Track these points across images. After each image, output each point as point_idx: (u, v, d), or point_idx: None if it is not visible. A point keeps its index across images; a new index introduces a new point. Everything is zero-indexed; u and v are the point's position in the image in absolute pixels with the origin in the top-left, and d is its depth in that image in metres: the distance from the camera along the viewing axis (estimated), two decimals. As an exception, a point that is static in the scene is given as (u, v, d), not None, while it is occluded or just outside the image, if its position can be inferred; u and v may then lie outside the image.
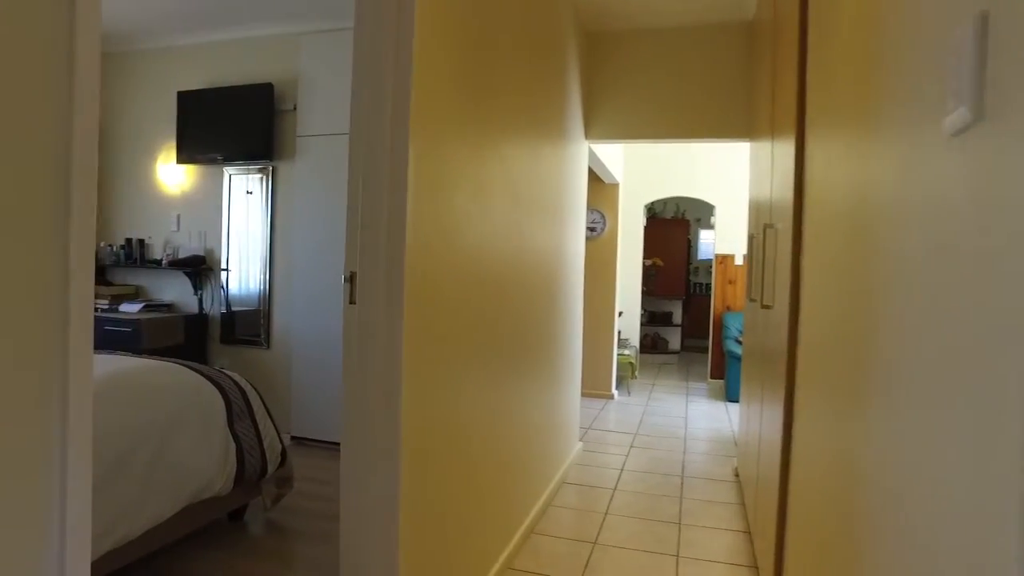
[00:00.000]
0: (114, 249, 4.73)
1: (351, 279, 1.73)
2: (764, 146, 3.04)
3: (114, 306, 4.52)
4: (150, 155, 4.82)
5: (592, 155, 4.80)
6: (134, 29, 4.57)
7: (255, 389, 3.14)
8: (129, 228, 4.90)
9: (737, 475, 3.87)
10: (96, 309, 4.48)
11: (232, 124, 4.41)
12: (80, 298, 0.91)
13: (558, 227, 3.50)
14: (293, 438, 4.36)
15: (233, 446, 2.77)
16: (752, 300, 3.08)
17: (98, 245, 4.89)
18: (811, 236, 1.80)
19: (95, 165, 0.92)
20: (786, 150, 2.23)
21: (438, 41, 1.86)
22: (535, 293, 3.07)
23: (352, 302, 1.73)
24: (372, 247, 1.71)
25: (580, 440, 4.52)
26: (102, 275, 4.93)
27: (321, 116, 4.16)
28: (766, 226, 2.56)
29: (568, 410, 3.93)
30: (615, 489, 3.66)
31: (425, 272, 1.82)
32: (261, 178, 4.49)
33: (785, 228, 2.14)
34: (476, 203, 2.21)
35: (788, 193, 2.10)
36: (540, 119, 3.06)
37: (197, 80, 4.59)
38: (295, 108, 4.29)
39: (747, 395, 3.53)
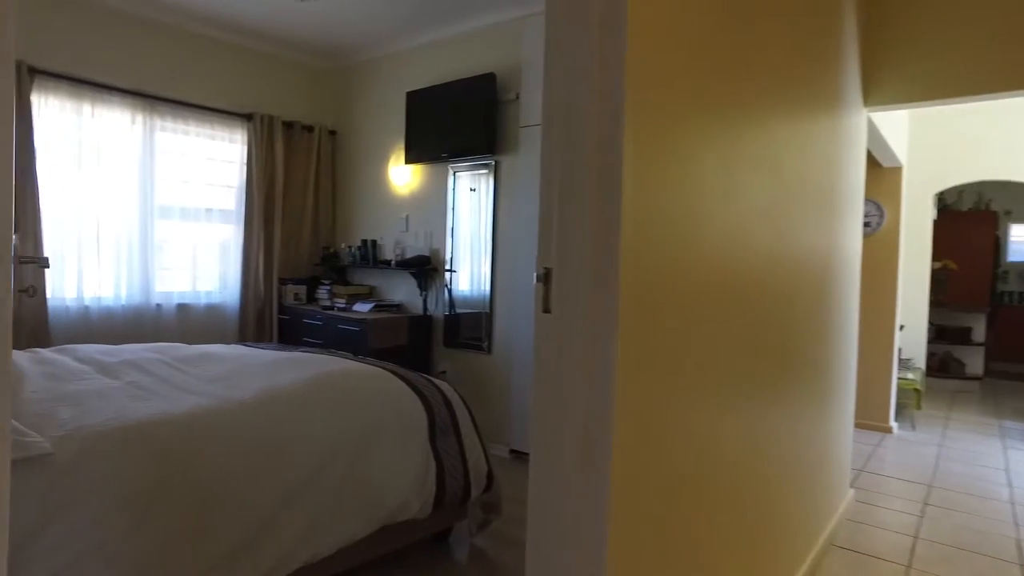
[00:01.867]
0: (352, 250, 4.89)
1: (545, 278, 1.26)
2: None
3: (349, 305, 4.66)
4: (383, 158, 4.92)
5: (871, 128, 3.81)
6: (367, 39, 4.69)
7: (464, 403, 2.84)
8: (366, 230, 5.05)
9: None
10: (332, 307, 4.65)
11: (456, 119, 4.27)
12: None
13: (828, 219, 2.70)
14: (512, 451, 4.08)
15: (433, 465, 2.49)
16: None
17: (339, 246, 5.12)
18: None
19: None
20: None
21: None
22: (799, 300, 2.34)
23: (546, 310, 1.25)
24: (576, 237, 1.22)
25: (851, 486, 3.57)
26: (342, 275, 5.15)
27: (539, 104, 3.81)
28: None
29: (837, 446, 3.07)
30: (908, 567, 2.73)
31: (647, 270, 1.28)
32: (484, 174, 4.29)
33: None
34: (720, 189, 1.61)
35: None
36: (804, 79, 2.32)
37: (424, 79, 4.55)
38: (517, 97, 4.01)
39: None
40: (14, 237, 1.26)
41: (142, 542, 1.75)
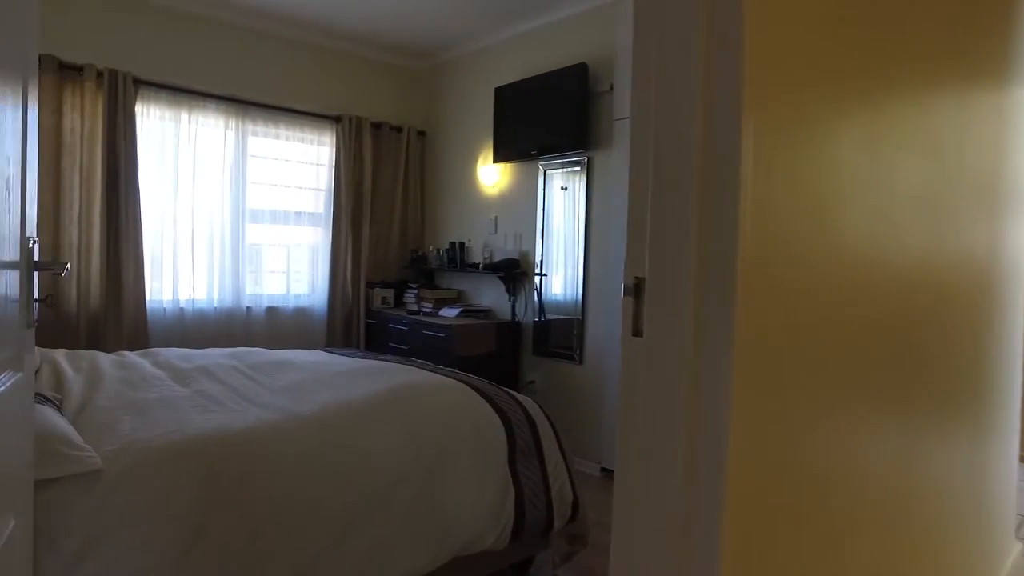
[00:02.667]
0: (439, 253, 4.76)
1: (636, 291, 0.98)
2: None
3: (436, 310, 4.51)
4: (472, 157, 4.75)
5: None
6: (454, 36, 4.53)
7: (550, 422, 2.58)
8: (454, 232, 4.90)
9: None
10: (419, 312, 4.52)
11: (546, 114, 4.02)
12: None
13: (991, 215, 2.22)
14: (603, 469, 3.78)
15: (512, 491, 2.24)
16: None
17: (427, 249, 5.00)
18: None
19: None
20: None
21: None
22: (954, 311, 1.91)
23: (638, 332, 0.97)
24: (677, 238, 0.93)
25: (1017, 537, 3.01)
26: (430, 279, 5.03)
27: (640, 92, 3.49)
28: None
29: (1000, 487, 2.55)
30: (1097, 643, 2.20)
31: (769, 277, 0.97)
32: (576, 171, 4.01)
33: None
34: (860, 175, 1.26)
35: None
36: (963, 42, 1.88)
37: (512, 73, 4.33)
38: (611, 88, 3.71)
39: None
40: (34, 241, 1.13)
41: (192, 568, 1.61)
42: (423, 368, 2.86)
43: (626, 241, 0.99)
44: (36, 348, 2.70)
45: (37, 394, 1.99)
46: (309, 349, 4.40)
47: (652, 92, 0.99)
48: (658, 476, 0.91)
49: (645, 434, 0.93)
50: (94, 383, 2.27)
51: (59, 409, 1.95)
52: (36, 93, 1.16)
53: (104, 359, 2.65)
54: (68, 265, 1.13)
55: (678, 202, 0.91)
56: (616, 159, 3.67)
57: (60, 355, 2.63)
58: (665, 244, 0.93)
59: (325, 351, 3.46)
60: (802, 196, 1.02)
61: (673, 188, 0.92)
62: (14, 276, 1.02)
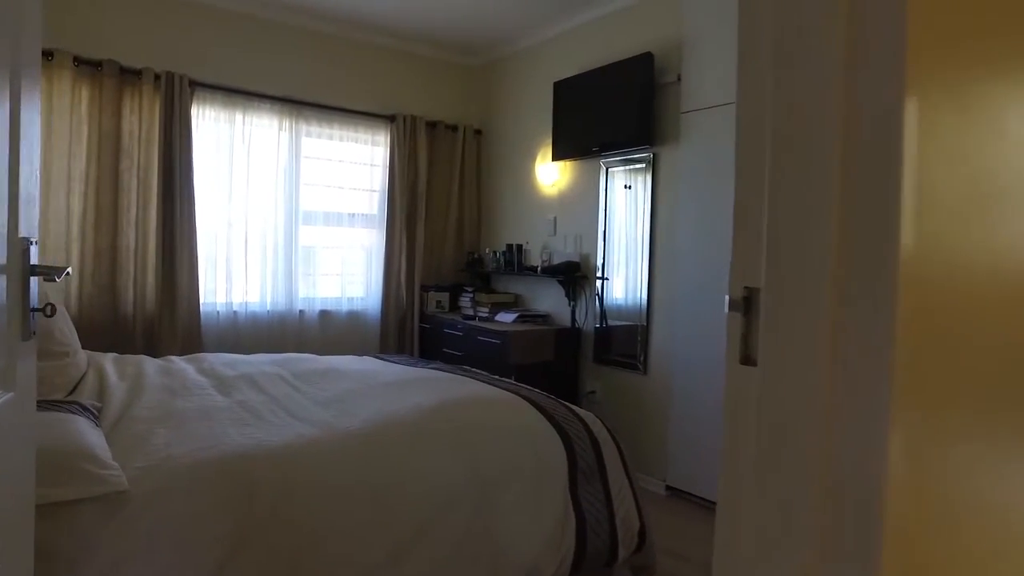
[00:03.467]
0: (496, 255, 4.58)
1: (746, 305, 0.75)
2: None
3: (492, 315, 4.34)
4: (530, 155, 4.55)
5: None
6: (510, 30, 4.35)
7: (615, 441, 2.36)
8: (511, 234, 4.72)
9: None
10: (475, 317, 4.35)
11: (608, 108, 3.79)
12: None
13: None
14: (668, 488, 3.52)
15: (573, 518, 2.03)
16: None
17: (483, 251, 4.83)
18: None
19: None
20: None
21: None
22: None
23: (748, 360, 0.74)
24: (805, 240, 0.71)
25: None
26: (486, 282, 4.86)
27: (713, 84, 3.22)
28: None
29: None
30: None
31: (937, 287, 0.73)
32: (640, 168, 3.76)
33: None
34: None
35: None
36: None
37: (572, 66, 4.12)
38: (679, 79, 3.45)
39: None
40: (31, 243, 0.99)
41: (222, 602, 1.47)
42: (477, 379, 2.68)
43: (733, 244, 0.77)
44: (86, 352, 2.66)
45: (75, 403, 1.90)
46: (361, 354, 4.30)
47: (767, 59, 0.77)
48: (781, 555, 0.69)
49: (762, 507, 0.71)
50: (136, 391, 2.18)
51: (96, 419, 1.86)
52: (36, 87, 1.03)
53: (150, 365, 2.57)
54: (69, 269, 0.98)
55: (811, 193, 0.68)
56: (684, 155, 3.40)
57: (108, 360, 2.56)
58: (790, 245, 0.70)
59: (376, 357, 3.33)
60: (976, 184, 0.77)
61: (804, 175, 0.69)
62: (1, 281, 0.87)
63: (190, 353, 3.79)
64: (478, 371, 3.01)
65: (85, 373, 2.33)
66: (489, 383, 2.58)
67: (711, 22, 3.24)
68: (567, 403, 2.45)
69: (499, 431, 2.06)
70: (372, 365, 2.94)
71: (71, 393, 2.16)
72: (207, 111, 3.93)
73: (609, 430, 2.39)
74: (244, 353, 4.01)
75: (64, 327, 2.22)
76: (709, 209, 3.23)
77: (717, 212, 3.18)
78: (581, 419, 2.33)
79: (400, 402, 2.18)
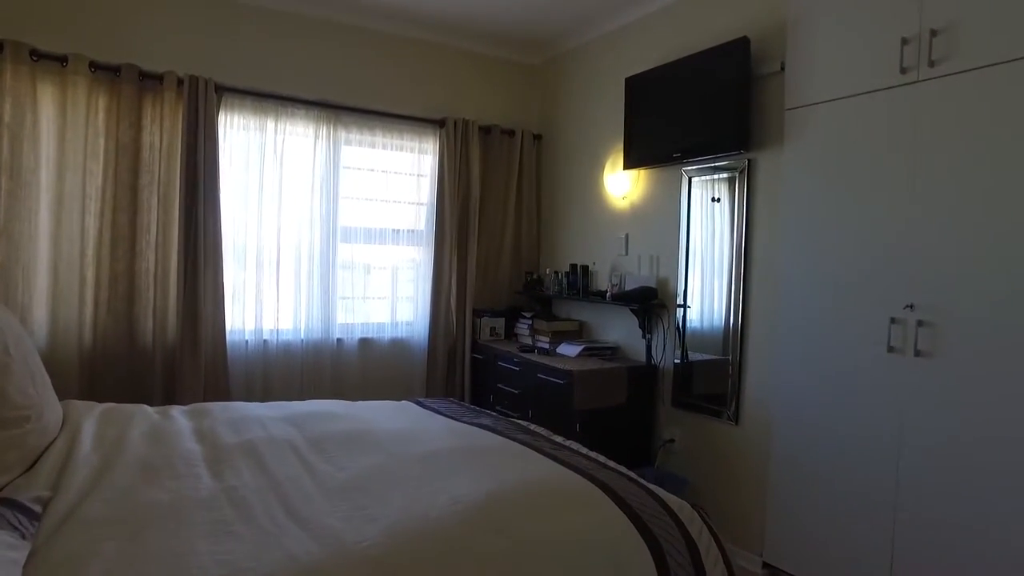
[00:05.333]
0: (558, 277, 4.02)
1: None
2: None
3: (553, 346, 3.78)
4: (598, 163, 3.98)
5: None
6: (573, 21, 3.80)
7: (713, 534, 1.77)
8: (576, 253, 4.15)
9: None
10: (533, 348, 3.80)
11: (691, 106, 3.18)
12: None
13: None
14: (766, 566, 2.87)
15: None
16: None
17: (543, 272, 4.28)
18: None
19: None
20: None
21: None
22: None
23: None
24: None
25: None
26: (547, 307, 4.30)
27: (828, 72, 2.58)
28: None
29: None
30: None
31: None
32: (732, 177, 3.14)
33: None
34: None
35: None
36: None
37: (648, 59, 3.52)
38: (782, 68, 2.81)
39: None
40: None
41: None
42: (537, 445, 2.12)
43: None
44: (66, 404, 2.25)
45: (7, 501, 1.44)
46: (401, 397, 3.83)
47: None
48: None
49: None
50: (105, 470, 1.73)
51: (32, 526, 1.40)
52: None
53: (140, 425, 2.12)
54: None
55: None
56: (789, 161, 2.76)
57: (92, 418, 2.13)
58: None
59: (418, 404, 2.82)
60: None
61: None
62: None
63: (215, 390, 3.40)
64: (536, 430, 2.45)
65: (55, 439, 1.90)
66: (553, 456, 2.02)
67: (828, -5, 2.60)
68: (654, 490, 1.86)
69: (569, 549, 1.50)
70: (410, 420, 2.43)
71: (29, 469, 1.72)
72: (235, 118, 3.53)
73: (710, 526, 1.80)
74: (275, 391, 3.60)
75: (25, 383, 1.79)
76: (822, 226, 2.58)
77: (833, 230, 2.53)
78: (673, 514, 1.75)
79: (438, 493, 1.64)
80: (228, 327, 3.49)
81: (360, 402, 2.77)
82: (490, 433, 2.26)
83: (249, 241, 3.58)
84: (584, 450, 2.22)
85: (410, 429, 2.26)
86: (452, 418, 2.56)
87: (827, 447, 2.53)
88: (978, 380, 2.07)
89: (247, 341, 3.58)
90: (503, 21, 3.89)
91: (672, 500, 1.83)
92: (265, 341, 3.63)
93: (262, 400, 3.46)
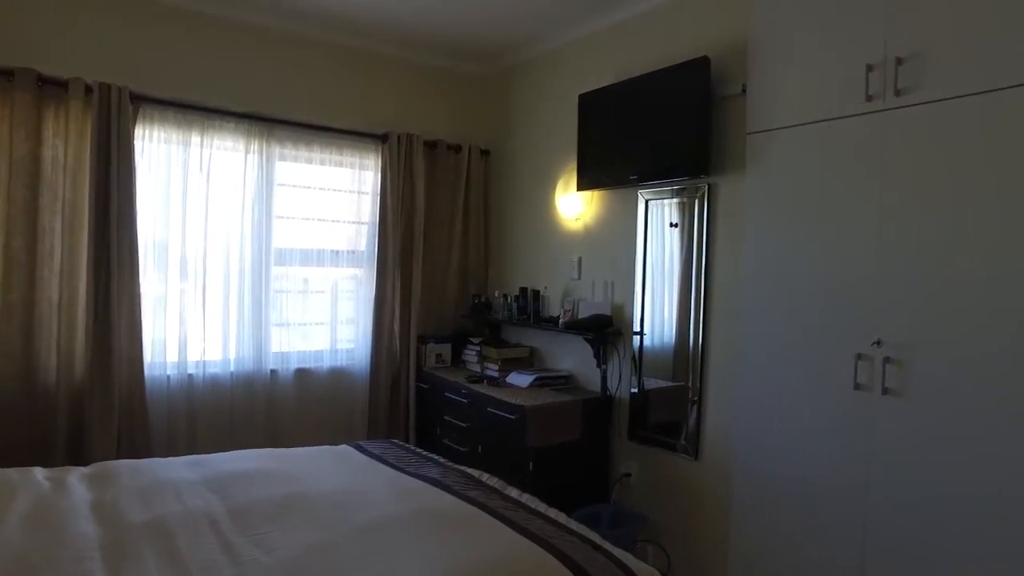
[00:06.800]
0: (508, 301, 3.83)
1: None
2: None
3: (503, 375, 3.58)
4: (549, 183, 3.81)
5: None
6: (527, 32, 3.62)
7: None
8: (526, 276, 3.97)
9: None
10: (482, 377, 3.60)
11: (649, 127, 3.05)
12: None
13: None
14: (729, 610, 2.74)
15: None
16: None
17: (491, 295, 4.08)
18: None
19: None
20: None
21: None
22: None
23: None
24: None
25: None
26: (496, 332, 4.11)
27: (792, 96, 2.48)
28: None
29: None
30: None
31: None
32: (691, 201, 3.02)
33: None
34: None
35: None
36: None
37: (603, 75, 3.38)
38: (744, 91, 2.70)
39: None
40: None
41: None
42: (493, 509, 1.92)
43: None
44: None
45: None
46: (343, 433, 3.58)
47: None
48: None
49: None
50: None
51: None
52: None
53: (22, 502, 1.79)
54: None
55: None
56: (751, 187, 2.63)
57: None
58: None
59: (359, 450, 2.58)
60: None
61: None
62: None
63: (131, 439, 3.06)
64: (488, 482, 2.25)
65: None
66: (510, 521, 1.82)
67: (791, 13, 2.49)
68: (621, 558, 1.69)
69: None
70: (350, 475, 2.18)
71: None
72: (154, 131, 3.20)
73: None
74: (201, 437, 3.26)
75: None
76: (785, 257, 2.47)
77: (797, 261, 2.42)
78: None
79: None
80: (147, 361, 3.16)
81: (295, 451, 2.50)
82: (439, 491, 2.04)
83: (172, 266, 3.26)
84: (542, 507, 2.03)
85: (351, 488, 2.02)
86: (397, 468, 2.34)
87: (792, 485, 2.42)
88: (947, 419, 1.99)
89: (169, 376, 3.25)
90: (450, 30, 3.68)
91: (643, 570, 1.66)
92: (190, 375, 3.30)
93: (187, 449, 3.12)
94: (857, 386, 2.22)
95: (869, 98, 2.20)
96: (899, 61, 2.11)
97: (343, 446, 2.64)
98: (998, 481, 1.87)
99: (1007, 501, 1.85)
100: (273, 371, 3.55)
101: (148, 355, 3.18)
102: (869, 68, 2.19)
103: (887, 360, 2.14)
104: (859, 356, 2.22)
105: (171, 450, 3.07)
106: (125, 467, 2.12)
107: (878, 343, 2.17)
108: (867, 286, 2.20)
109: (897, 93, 2.12)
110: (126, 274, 3.05)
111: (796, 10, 2.47)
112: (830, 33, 2.34)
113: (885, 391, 2.15)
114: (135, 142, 3.10)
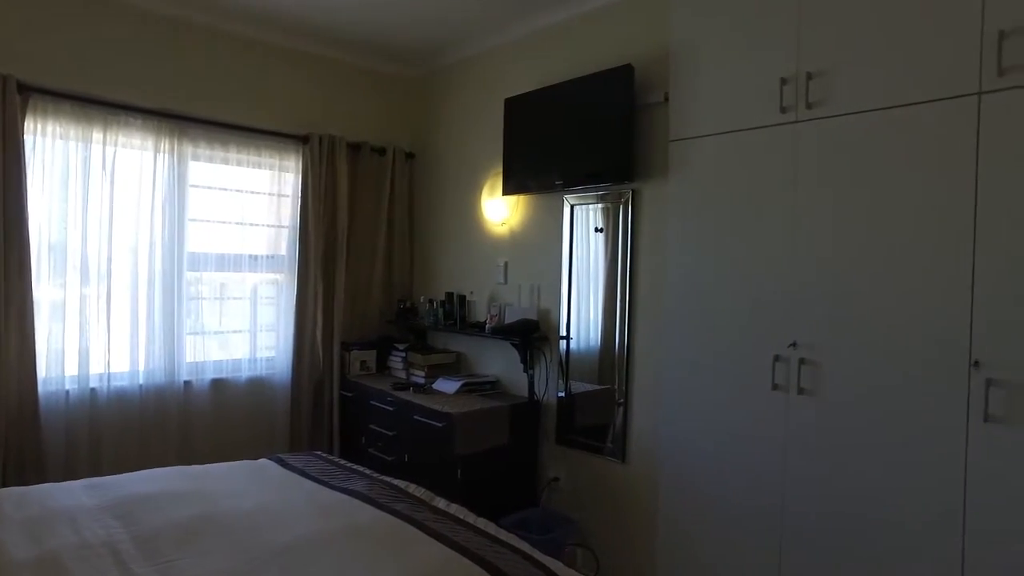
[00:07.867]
0: (433, 307, 3.77)
1: None
2: None
3: (430, 382, 3.52)
4: (475, 187, 3.78)
5: None
6: (453, 35, 3.59)
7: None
8: (452, 281, 3.92)
9: None
10: (408, 384, 3.52)
11: (574, 132, 3.07)
12: None
13: None
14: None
15: None
16: None
17: (417, 301, 4.01)
18: None
19: None
20: None
21: None
22: None
23: None
24: None
25: None
26: (421, 337, 4.04)
27: (711, 105, 2.55)
28: None
29: None
30: None
31: None
32: (616, 206, 3.06)
33: None
34: None
35: None
36: None
37: (530, 80, 3.38)
38: (666, 98, 2.76)
39: None
40: None
41: None
42: (420, 521, 1.87)
43: None
44: None
45: None
46: (264, 446, 3.43)
47: None
48: None
49: None
50: None
51: None
52: None
53: None
54: None
55: None
56: (674, 193, 2.69)
57: None
58: None
59: (279, 463, 2.46)
60: None
61: None
62: None
63: (21, 464, 2.82)
64: (415, 493, 2.20)
65: None
66: (438, 533, 1.78)
67: (709, 26, 2.56)
68: (553, 568, 1.68)
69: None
70: (269, 491, 2.08)
71: None
72: (48, 126, 2.96)
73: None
74: (106, 457, 3.04)
75: None
76: (706, 261, 2.54)
77: (718, 265, 2.49)
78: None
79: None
80: (41, 375, 2.92)
81: (210, 467, 2.37)
82: (363, 504, 1.98)
83: (71, 271, 3.02)
84: (471, 518, 2.00)
85: (269, 506, 1.93)
86: (320, 481, 2.25)
87: (715, 484, 2.48)
88: (855, 417, 2.09)
89: (68, 391, 3.01)
90: (376, 29, 3.59)
91: (572, 578, 1.66)
92: (92, 390, 3.07)
93: (89, 471, 2.89)
94: (775, 386, 2.30)
95: (784, 109, 2.28)
96: (809, 76, 2.21)
97: (263, 460, 2.52)
98: (898, 468, 1.98)
99: (908, 490, 1.96)
100: (187, 382, 3.36)
101: (43, 368, 2.94)
102: (783, 81, 2.27)
103: (802, 361, 2.23)
104: (776, 358, 2.30)
105: (69, 474, 2.84)
106: (10, 497, 1.93)
107: (794, 345, 2.25)
108: (784, 289, 2.28)
109: (808, 106, 2.22)
110: (15, 281, 2.81)
111: (713, 23, 2.54)
112: (747, 46, 2.41)
113: (800, 391, 2.23)
114: (24, 136, 2.86)
